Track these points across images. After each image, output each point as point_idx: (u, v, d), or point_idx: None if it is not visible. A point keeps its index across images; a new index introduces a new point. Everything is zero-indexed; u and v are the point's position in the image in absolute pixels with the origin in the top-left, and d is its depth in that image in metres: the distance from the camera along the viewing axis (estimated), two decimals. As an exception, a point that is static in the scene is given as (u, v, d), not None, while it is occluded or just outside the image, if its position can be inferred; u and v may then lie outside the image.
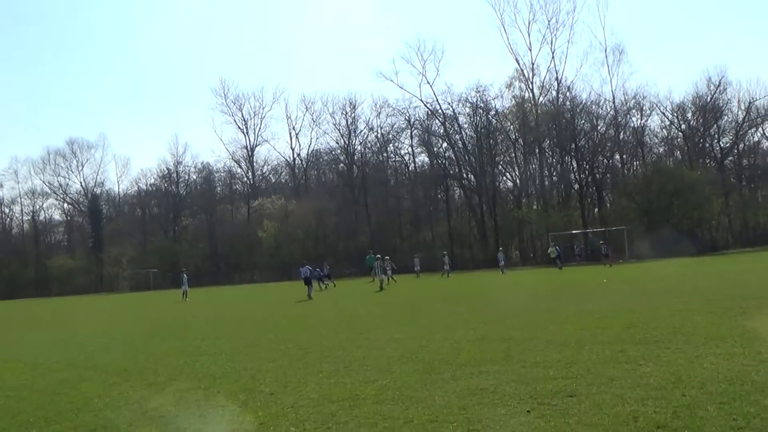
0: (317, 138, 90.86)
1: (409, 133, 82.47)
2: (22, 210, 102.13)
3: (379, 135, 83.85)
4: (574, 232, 64.70)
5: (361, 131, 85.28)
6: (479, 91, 75.02)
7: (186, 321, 23.61)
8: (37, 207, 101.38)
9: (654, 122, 75.13)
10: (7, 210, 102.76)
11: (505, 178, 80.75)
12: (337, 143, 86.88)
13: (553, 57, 73.82)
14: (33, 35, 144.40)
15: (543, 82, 75.25)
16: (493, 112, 76.14)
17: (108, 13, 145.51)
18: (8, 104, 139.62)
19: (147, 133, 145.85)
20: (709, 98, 71.90)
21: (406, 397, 7.95)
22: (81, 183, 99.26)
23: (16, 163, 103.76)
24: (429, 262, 62.84)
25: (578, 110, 73.00)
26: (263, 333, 16.91)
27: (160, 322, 24.11)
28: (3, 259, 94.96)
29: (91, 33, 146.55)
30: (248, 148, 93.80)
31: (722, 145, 74.78)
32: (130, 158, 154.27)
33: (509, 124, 76.58)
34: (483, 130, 75.75)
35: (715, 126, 73.46)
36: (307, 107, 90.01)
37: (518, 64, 75.53)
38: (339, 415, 7.34)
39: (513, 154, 77.57)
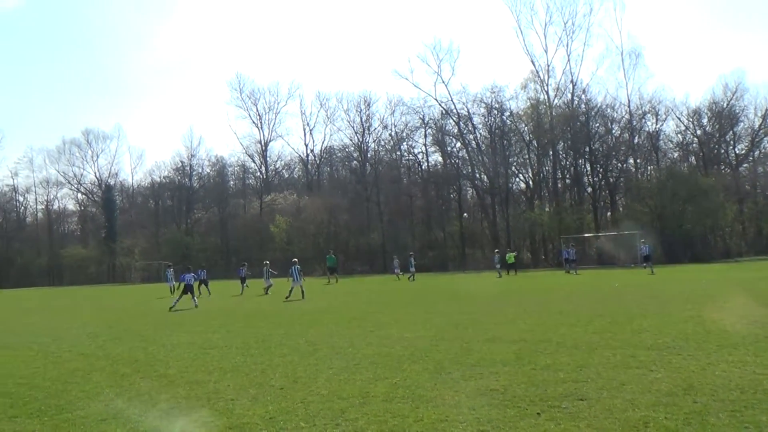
0: (331, 134, 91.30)
1: (423, 132, 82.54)
2: (36, 199, 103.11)
3: (393, 133, 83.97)
4: (586, 235, 64.55)
5: (375, 129, 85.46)
6: (494, 92, 75.10)
7: (197, 314, 23.67)
8: (51, 196, 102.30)
9: (669, 127, 74.97)
10: (21, 199, 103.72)
11: (518, 179, 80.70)
12: (351, 140, 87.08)
13: (568, 59, 73.67)
14: (53, 26, 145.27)
15: (558, 85, 75.13)
16: (507, 113, 76.13)
17: (127, 6, 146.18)
18: (26, 94, 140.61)
19: (162, 125, 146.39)
20: (725, 104, 71.70)
21: (416, 396, 7.97)
22: (95, 173, 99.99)
23: (32, 152, 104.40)
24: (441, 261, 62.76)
25: (593, 113, 72.81)
26: (274, 328, 16.93)
27: (171, 314, 24.18)
28: (17, 247, 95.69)
29: (110, 25, 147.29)
30: (262, 142, 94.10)
31: (737, 152, 74.56)
32: (145, 150, 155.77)
33: (523, 125, 76.41)
34: (497, 131, 75.67)
35: (730, 132, 73.26)
36: (321, 103, 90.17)
37: (534, 65, 75.41)
38: (349, 411, 7.36)
39: (527, 156, 77.41)
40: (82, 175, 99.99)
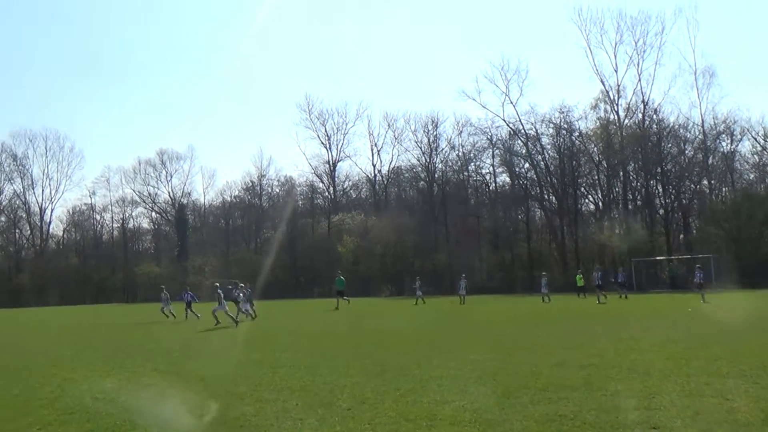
0: (398, 155, 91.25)
1: (490, 153, 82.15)
2: (112, 217, 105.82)
3: (460, 153, 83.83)
4: (658, 258, 63.24)
5: (443, 149, 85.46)
6: (563, 112, 74.34)
7: (266, 333, 23.97)
8: (127, 215, 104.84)
9: (745, 147, 72.72)
10: (98, 217, 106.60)
11: (587, 200, 79.61)
12: (418, 161, 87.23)
13: (639, 79, 72.24)
14: (129, 51, 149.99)
15: (629, 104, 73.76)
16: (576, 134, 75.27)
17: (198, 29, 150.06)
18: (103, 116, 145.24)
19: (233, 145, 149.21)
20: (804, 123, 69.34)
21: (484, 419, 7.89)
22: (169, 193, 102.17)
23: (109, 172, 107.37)
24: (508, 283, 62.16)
25: (665, 133, 71.37)
26: (341, 348, 17.03)
27: (240, 332, 24.55)
28: (93, 264, 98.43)
29: (183, 48, 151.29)
30: (330, 163, 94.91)
31: (818, 173, 71.93)
32: (216, 170, 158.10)
33: (593, 145, 75.43)
34: (566, 152, 74.88)
35: (810, 153, 70.78)
36: (389, 124, 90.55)
37: (603, 85, 74.20)
38: (416, 434, 7.35)
39: (596, 177, 76.32)
40: (156, 194, 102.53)
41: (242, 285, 32.94)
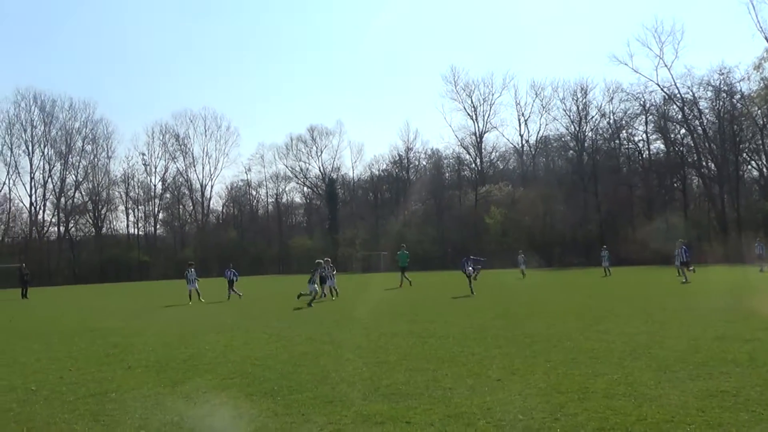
0: (546, 124, 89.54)
1: (643, 119, 79.17)
2: (267, 193, 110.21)
3: (611, 121, 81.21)
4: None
5: (593, 117, 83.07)
6: (723, 74, 70.26)
7: (415, 303, 24.26)
8: (281, 190, 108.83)
9: None
10: (254, 192, 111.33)
11: (749, 166, 75.15)
12: (567, 129, 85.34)
13: (810, 33, 67.03)
14: (276, 30, 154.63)
15: (797, 62, 68.66)
16: (738, 96, 70.97)
17: (342, 5, 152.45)
18: (257, 96, 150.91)
19: (380, 120, 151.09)
20: None
21: (639, 393, 7.69)
22: (319, 168, 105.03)
23: (263, 149, 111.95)
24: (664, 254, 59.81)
25: (839, 92, 66.07)
26: (490, 319, 16.99)
27: (390, 303, 24.96)
28: (250, 237, 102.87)
29: (328, 25, 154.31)
30: (477, 134, 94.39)
31: None
32: (364, 144, 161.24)
33: (756, 108, 70.90)
34: (726, 116, 70.83)
35: None
36: (536, 93, 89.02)
37: (768, 43, 69.42)
38: (568, 406, 7.25)
39: (760, 141, 71.81)
40: (307, 169, 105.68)
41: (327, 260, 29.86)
